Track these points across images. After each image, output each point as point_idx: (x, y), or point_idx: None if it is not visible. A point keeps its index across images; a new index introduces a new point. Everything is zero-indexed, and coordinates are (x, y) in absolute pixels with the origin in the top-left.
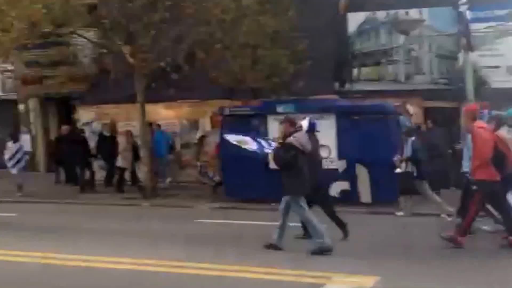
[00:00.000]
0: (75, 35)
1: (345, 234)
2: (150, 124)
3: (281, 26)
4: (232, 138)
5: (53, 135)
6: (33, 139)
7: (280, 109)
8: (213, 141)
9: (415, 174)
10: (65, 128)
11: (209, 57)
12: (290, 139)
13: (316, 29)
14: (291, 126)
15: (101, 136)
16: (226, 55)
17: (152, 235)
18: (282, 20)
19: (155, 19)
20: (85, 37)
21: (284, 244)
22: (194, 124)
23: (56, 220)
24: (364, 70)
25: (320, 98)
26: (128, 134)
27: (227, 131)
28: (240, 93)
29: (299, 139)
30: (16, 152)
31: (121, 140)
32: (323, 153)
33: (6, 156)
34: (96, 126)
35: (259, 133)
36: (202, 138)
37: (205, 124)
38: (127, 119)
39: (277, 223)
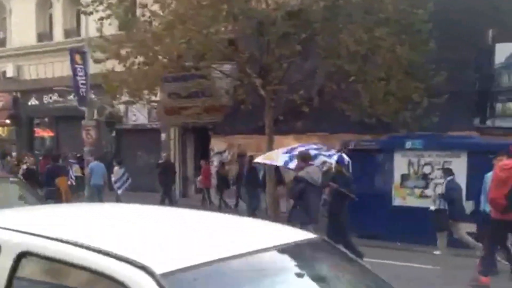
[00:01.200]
0: (212, 68)
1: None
2: (240, 155)
3: (418, 58)
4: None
5: (190, 163)
6: None
7: (408, 144)
8: None
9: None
10: (163, 156)
11: (341, 90)
12: (302, 173)
13: (457, 61)
14: (303, 161)
15: None
16: (358, 88)
17: None
18: (419, 52)
19: (286, 53)
20: (221, 70)
21: None
22: None
23: None
24: (510, 105)
25: (456, 135)
26: None
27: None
28: (370, 127)
29: (310, 173)
30: (122, 175)
31: None
32: None
33: (113, 178)
34: (228, 156)
35: (384, 169)
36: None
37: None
38: (257, 150)
39: None
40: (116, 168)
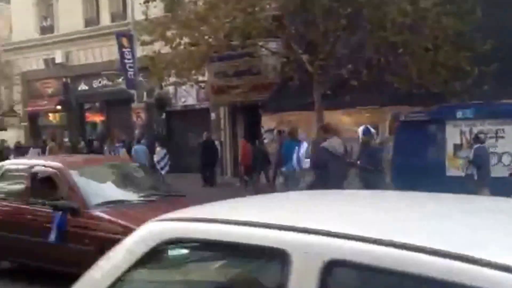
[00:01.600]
0: (259, 46)
1: None
2: (280, 132)
3: (464, 27)
4: None
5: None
6: (222, 145)
7: (459, 114)
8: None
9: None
10: (204, 134)
11: (388, 63)
12: (324, 143)
13: (505, 28)
14: (325, 132)
15: None
16: (406, 59)
17: None
18: (465, 21)
19: (331, 27)
20: (267, 48)
21: None
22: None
23: None
24: None
25: (508, 102)
26: None
27: (402, 137)
28: (421, 98)
29: (332, 143)
30: (164, 156)
31: None
32: (505, 160)
33: (155, 159)
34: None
35: (436, 140)
36: (381, 145)
37: (385, 130)
38: (306, 127)
39: None
40: (158, 149)
